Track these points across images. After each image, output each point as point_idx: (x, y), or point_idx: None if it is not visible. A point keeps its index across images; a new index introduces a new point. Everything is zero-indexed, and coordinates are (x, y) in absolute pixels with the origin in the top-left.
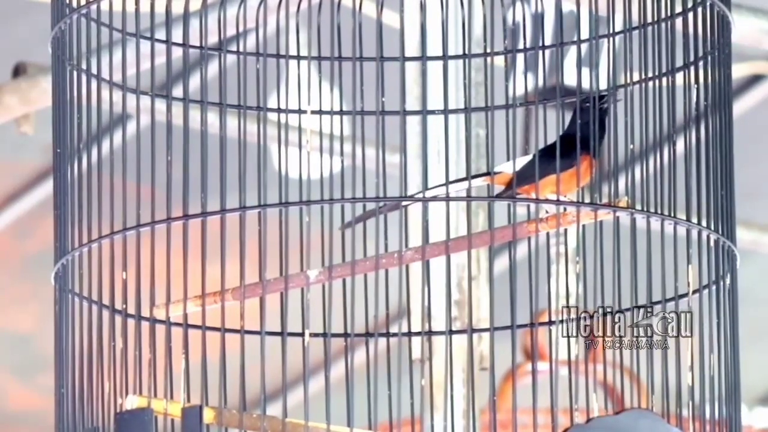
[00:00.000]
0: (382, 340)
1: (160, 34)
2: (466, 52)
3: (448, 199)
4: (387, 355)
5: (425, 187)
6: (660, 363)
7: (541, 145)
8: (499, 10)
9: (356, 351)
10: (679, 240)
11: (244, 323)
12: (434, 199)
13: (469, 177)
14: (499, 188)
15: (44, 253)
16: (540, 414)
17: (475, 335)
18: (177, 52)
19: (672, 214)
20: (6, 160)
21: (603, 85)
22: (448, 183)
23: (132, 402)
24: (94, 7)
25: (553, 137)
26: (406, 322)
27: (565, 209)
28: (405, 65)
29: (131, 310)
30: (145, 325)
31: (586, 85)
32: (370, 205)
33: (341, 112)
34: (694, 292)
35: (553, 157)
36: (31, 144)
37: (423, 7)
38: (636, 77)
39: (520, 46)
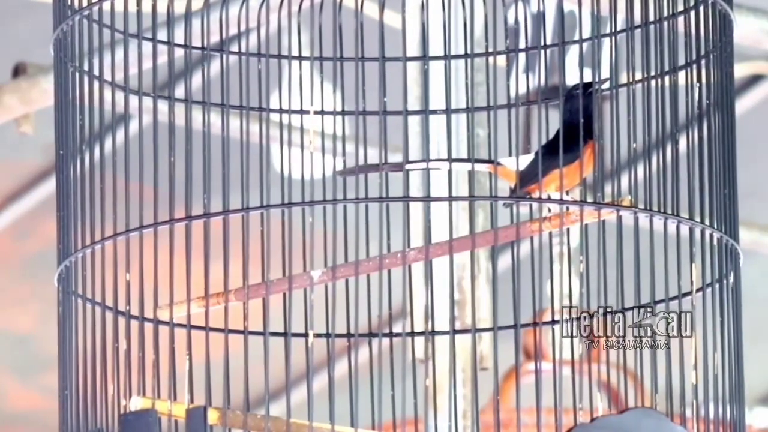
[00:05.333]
0: (385, 340)
1: (162, 35)
2: (468, 51)
3: (450, 199)
4: (390, 355)
5: (427, 190)
6: (663, 362)
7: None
8: (500, 9)
9: (359, 351)
10: (682, 239)
11: (248, 324)
12: (436, 199)
13: (472, 159)
14: (500, 180)
15: (44, 253)
16: (542, 414)
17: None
18: (179, 53)
19: (675, 213)
20: (6, 160)
21: (605, 84)
22: (451, 160)
23: (136, 403)
24: (95, 8)
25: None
26: (409, 322)
27: (568, 208)
28: (407, 65)
29: (135, 311)
30: (149, 327)
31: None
32: (373, 206)
33: (343, 113)
34: (698, 290)
35: (555, 153)
36: (31, 144)
37: (424, 7)
38: (638, 76)
39: (522, 45)
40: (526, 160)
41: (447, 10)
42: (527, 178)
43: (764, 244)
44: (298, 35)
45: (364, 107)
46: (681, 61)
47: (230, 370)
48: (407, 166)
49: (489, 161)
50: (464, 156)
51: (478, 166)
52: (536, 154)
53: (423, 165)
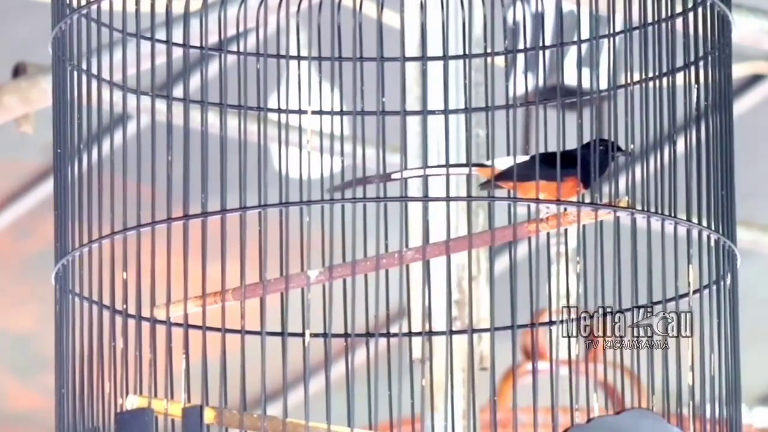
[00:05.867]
0: (383, 340)
1: (161, 34)
2: (467, 52)
3: (448, 199)
4: (387, 355)
5: (425, 190)
6: (660, 363)
7: (542, 146)
8: (499, 10)
9: (356, 351)
10: (680, 240)
11: (245, 323)
12: (435, 199)
13: (469, 164)
14: (497, 191)
15: (44, 253)
16: (540, 413)
17: (474, 335)
18: (177, 52)
19: (672, 214)
20: (6, 160)
21: (603, 84)
22: (448, 165)
23: (132, 402)
24: (94, 7)
25: (553, 137)
26: (407, 322)
27: (565, 209)
28: (405, 65)
29: (132, 310)
30: (146, 326)
31: (586, 84)
32: (371, 206)
33: (341, 113)
34: (695, 292)
35: (545, 164)
36: (31, 144)
37: (423, 8)
38: (636, 77)
39: (521, 46)
40: (519, 161)
41: (446, 11)
42: (506, 174)
43: (764, 244)
44: (297, 35)
45: (363, 107)
46: (679, 63)
47: (227, 369)
48: (405, 174)
49: (486, 165)
50: (463, 158)
51: (475, 170)
52: (532, 157)
53: (420, 172)
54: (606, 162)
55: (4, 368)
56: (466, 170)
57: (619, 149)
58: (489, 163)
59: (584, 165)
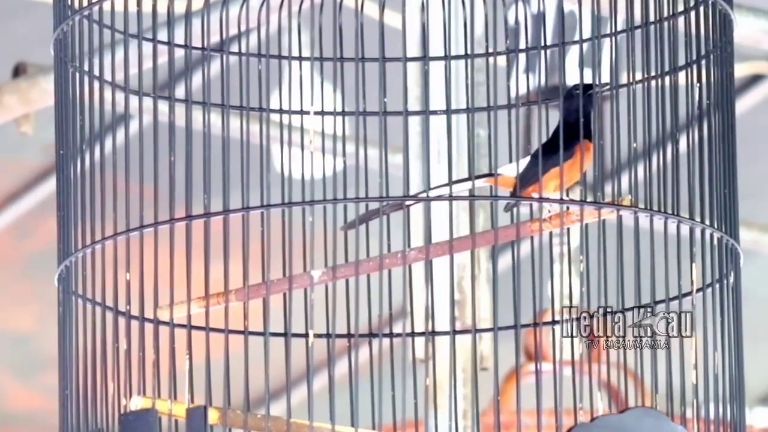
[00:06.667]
0: (386, 340)
1: (162, 35)
2: (468, 52)
3: (451, 198)
4: (390, 355)
5: (428, 187)
6: (664, 362)
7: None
8: (500, 10)
9: (360, 351)
10: (683, 239)
11: (248, 324)
12: (437, 198)
13: (472, 177)
14: (501, 190)
15: (44, 253)
16: (543, 416)
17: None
18: (179, 53)
19: (675, 213)
20: (6, 160)
21: (605, 86)
22: (451, 183)
23: (136, 403)
24: (96, 8)
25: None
26: (410, 322)
27: (568, 208)
28: (407, 65)
29: (135, 311)
30: (149, 327)
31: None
32: (373, 205)
33: (343, 113)
34: (698, 290)
35: (551, 153)
36: (30, 144)
37: (425, 8)
38: (638, 76)
39: (522, 45)
40: (523, 164)
41: (447, 11)
42: (525, 179)
43: (764, 244)
44: (299, 35)
45: (365, 107)
46: (681, 61)
47: (230, 370)
48: (407, 203)
49: (489, 175)
50: (464, 157)
51: (478, 181)
52: (532, 156)
53: (423, 196)
54: (589, 104)
55: (4, 368)
56: (483, 181)
57: (588, 86)
58: (502, 171)
59: (585, 123)
